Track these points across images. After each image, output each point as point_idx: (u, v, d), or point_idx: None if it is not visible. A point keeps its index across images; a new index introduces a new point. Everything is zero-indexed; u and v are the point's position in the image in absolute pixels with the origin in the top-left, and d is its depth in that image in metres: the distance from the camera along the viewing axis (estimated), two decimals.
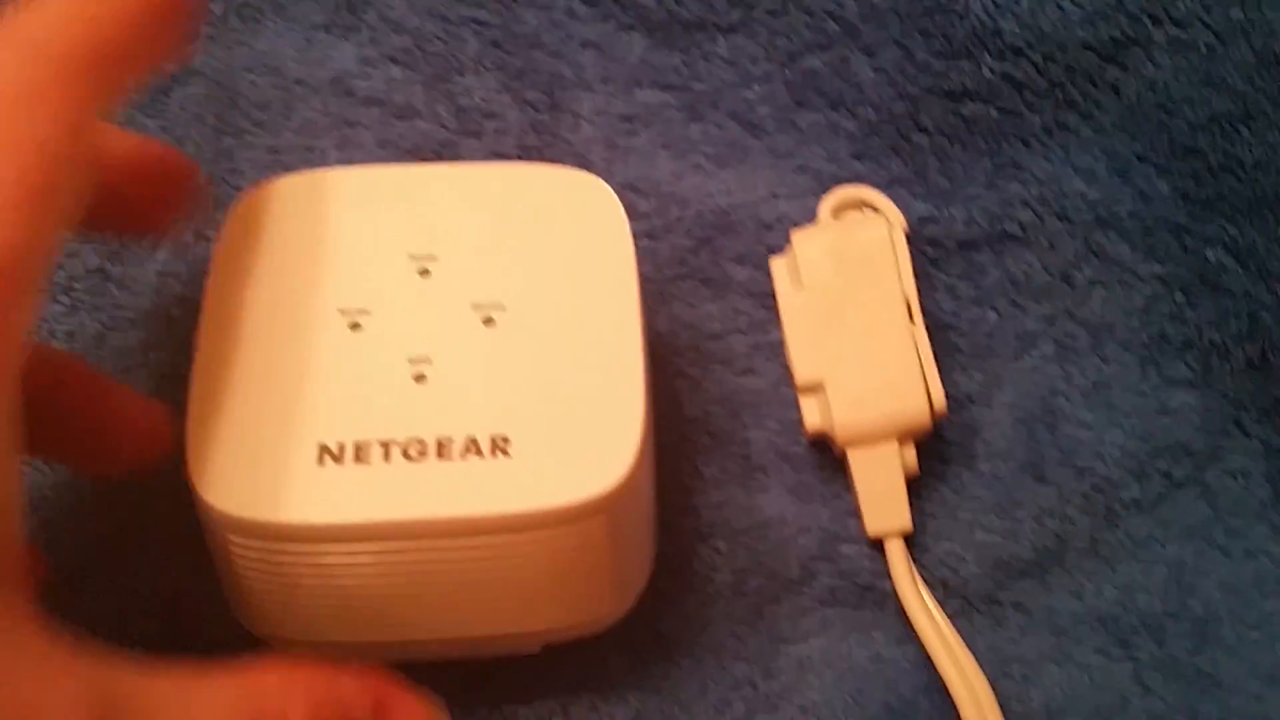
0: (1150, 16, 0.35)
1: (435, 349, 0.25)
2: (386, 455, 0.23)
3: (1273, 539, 0.31)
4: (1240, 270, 0.33)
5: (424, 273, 0.26)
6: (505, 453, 0.24)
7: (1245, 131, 0.32)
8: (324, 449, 0.23)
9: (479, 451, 0.24)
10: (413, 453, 0.23)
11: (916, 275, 0.33)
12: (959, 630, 0.30)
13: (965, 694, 0.29)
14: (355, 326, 0.25)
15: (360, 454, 0.23)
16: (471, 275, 0.26)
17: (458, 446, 0.24)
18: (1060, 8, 0.35)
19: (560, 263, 0.26)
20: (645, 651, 0.29)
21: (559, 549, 0.24)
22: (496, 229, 0.27)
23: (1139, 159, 0.34)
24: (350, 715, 0.22)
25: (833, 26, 0.35)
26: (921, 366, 0.30)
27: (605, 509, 0.24)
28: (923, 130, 0.35)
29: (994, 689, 0.30)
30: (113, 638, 0.20)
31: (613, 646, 0.28)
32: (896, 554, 0.30)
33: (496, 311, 0.25)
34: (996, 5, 0.35)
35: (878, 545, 0.30)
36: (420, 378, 0.24)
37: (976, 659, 0.30)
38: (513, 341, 0.25)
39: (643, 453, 0.24)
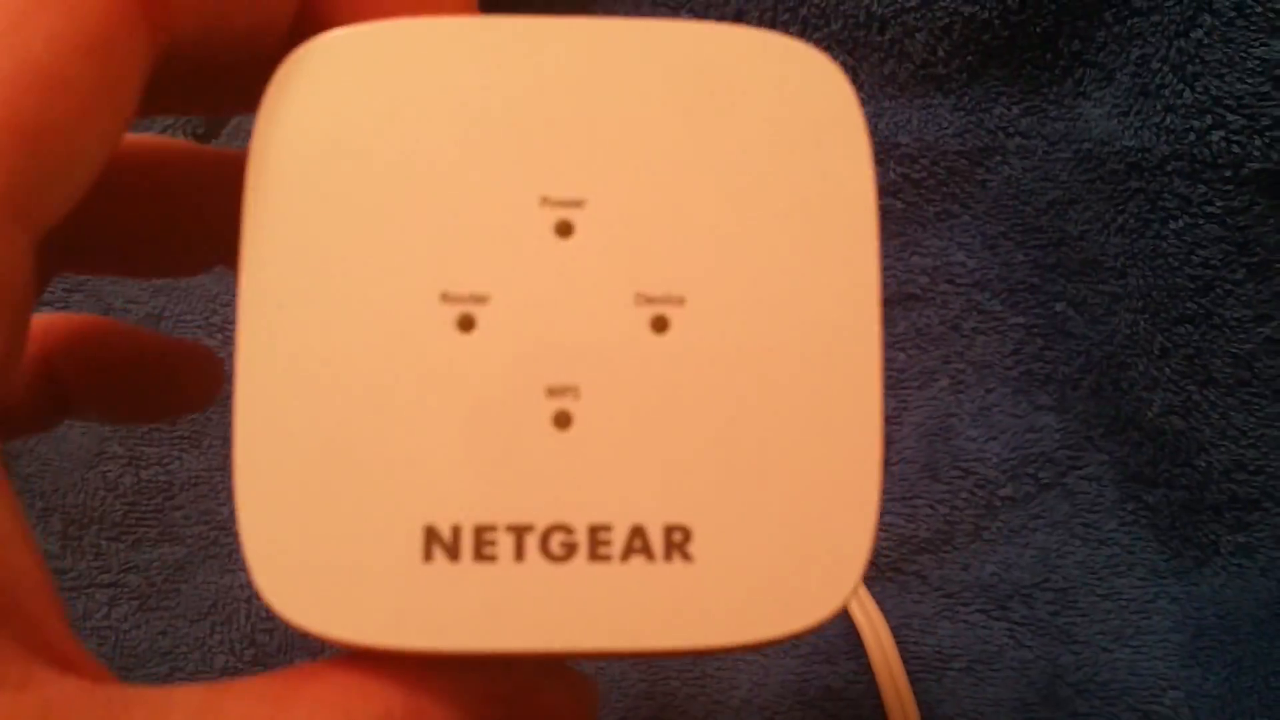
0: (1003, 130, 0.39)
1: (583, 372, 0.16)
2: (519, 551, 0.16)
3: (1119, 530, 0.37)
4: (1079, 318, 0.38)
5: (564, 230, 0.16)
6: (684, 555, 0.16)
7: (1072, 212, 0.37)
8: (432, 535, 0.16)
9: (648, 552, 0.16)
10: (555, 548, 0.16)
11: None
12: (871, 592, 0.36)
13: (873, 640, 0.35)
14: (467, 325, 0.16)
15: (482, 547, 0.16)
16: (635, 241, 0.16)
17: (618, 542, 0.16)
18: (940, 125, 0.39)
19: (772, 221, 0.16)
20: None
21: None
22: (675, 149, 0.16)
23: (1003, 236, 0.39)
24: None
25: None
26: None
27: (816, 629, 0.16)
28: None
29: (897, 638, 0.35)
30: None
31: None
32: None
33: (672, 309, 0.16)
34: (896, 125, 0.39)
35: None
36: (563, 420, 0.16)
37: (884, 615, 0.35)
38: (695, 362, 0.16)
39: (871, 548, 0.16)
